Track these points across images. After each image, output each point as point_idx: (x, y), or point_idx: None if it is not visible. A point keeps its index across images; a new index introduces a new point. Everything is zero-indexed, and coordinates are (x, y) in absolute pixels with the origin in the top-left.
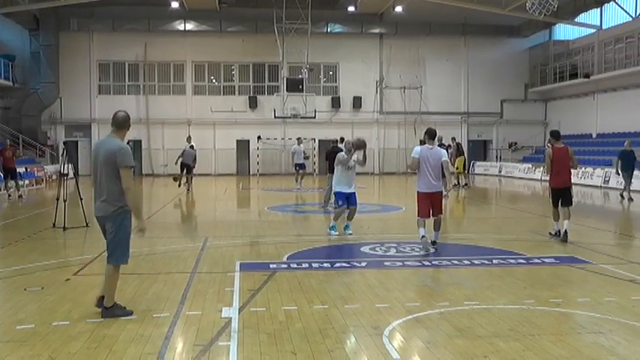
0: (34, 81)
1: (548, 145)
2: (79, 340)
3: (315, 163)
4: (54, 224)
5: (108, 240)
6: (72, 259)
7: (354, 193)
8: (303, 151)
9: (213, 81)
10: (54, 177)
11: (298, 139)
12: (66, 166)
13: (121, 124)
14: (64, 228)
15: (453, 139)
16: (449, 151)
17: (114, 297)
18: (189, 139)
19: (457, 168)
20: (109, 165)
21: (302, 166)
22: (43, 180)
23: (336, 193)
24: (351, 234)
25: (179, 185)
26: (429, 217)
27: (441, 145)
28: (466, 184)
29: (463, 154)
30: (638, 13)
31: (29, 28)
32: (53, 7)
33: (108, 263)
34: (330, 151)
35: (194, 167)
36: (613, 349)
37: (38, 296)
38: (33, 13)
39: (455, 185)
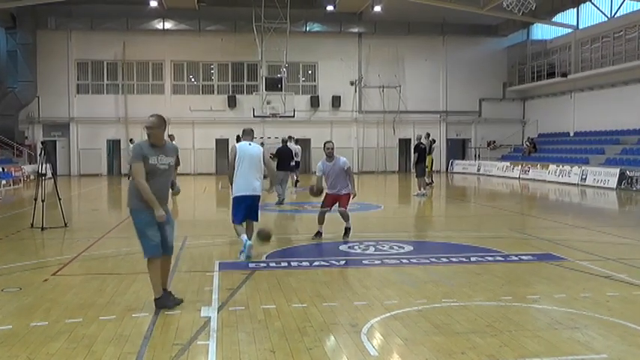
0: (11, 80)
1: None
2: (57, 341)
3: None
4: (32, 224)
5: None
6: (50, 260)
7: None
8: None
9: (192, 80)
10: (32, 177)
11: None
12: (44, 165)
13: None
14: (42, 228)
15: (428, 135)
16: (432, 146)
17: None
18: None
19: (427, 166)
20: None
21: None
22: (20, 180)
23: None
24: (248, 258)
25: None
26: None
27: (419, 144)
28: (430, 183)
29: (431, 153)
30: (613, 14)
31: (6, 27)
32: (31, 6)
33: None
34: (279, 150)
35: None
36: (588, 343)
37: (16, 297)
38: (10, 12)
39: (429, 184)
